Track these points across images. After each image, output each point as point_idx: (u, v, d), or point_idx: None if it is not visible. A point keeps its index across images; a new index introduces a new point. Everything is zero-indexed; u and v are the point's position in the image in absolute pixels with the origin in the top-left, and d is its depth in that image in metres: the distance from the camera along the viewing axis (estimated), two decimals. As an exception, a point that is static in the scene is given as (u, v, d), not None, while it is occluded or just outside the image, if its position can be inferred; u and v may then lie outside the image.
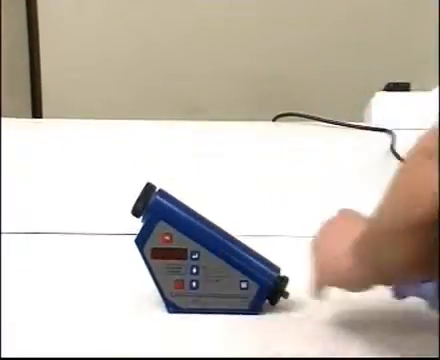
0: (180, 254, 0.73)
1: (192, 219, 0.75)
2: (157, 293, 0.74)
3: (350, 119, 1.26)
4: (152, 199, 0.74)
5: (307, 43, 1.64)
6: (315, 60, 1.65)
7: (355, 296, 0.79)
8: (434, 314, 0.69)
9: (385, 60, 1.58)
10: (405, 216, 0.55)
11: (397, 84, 1.26)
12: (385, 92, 1.29)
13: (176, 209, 0.75)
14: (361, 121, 1.29)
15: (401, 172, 0.58)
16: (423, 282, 0.67)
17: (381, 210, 0.60)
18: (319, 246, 0.70)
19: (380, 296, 0.80)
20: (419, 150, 0.55)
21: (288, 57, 1.64)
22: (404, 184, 0.56)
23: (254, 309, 0.74)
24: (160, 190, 0.76)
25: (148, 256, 0.73)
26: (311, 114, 1.33)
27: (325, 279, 0.68)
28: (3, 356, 0.59)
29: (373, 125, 1.23)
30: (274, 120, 1.39)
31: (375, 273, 0.63)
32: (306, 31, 1.65)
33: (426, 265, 0.57)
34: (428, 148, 0.53)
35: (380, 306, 0.78)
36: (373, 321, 0.74)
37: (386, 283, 0.67)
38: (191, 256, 0.73)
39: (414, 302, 0.78)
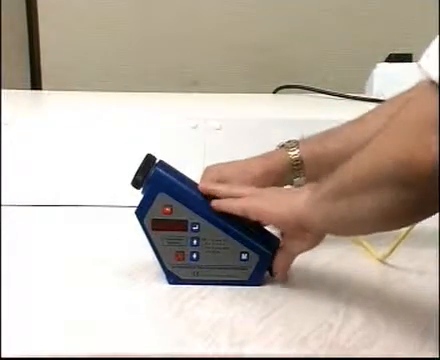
0: (180, 226, 0.73)
1: (192, 191, 0.75)
2: (158, 264, 0.74)
3: (352, 91, 1.26)
4: (152, 171, 0.74)
5: (308, 14, 1.63)
6: (316, 32, 1.63)
7: (356, 270, 0.79)
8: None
9: (387, 31, 1.56)
10: (394, 174, 0.56)
11: (399, 55, 1.25)
12: (387, 63, 1.28)
13: (176, 181, 0.74)
14: (363, 92, 1.29)
15: (401, 128, 0.57)
16: None
17: (367, 158, 0.60)
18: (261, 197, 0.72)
19: (379, 268, 0.81)
20: (422, 114, 0.54)
21: (289, 28, 1.63)
22: (402, 145, 0.55)
23: (254, 280, 0.74)
24: (160, 161, 0.76)
25: (148, 227, 0.73)
26: (312, 86, 1.32)
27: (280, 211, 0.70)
28: (3, 356, 0.59)
29: (375, 96, 1.22)
30: (275, 92, 1.39)
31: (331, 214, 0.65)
32: (307, 2, 1.63)
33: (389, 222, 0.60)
34: (432, 117, 0.53)
35: (380, 280, 0.78)
36: (373, 294, 0.74)
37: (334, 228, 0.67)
38: (191, 228, 0.73)
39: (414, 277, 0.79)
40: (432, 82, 0.53)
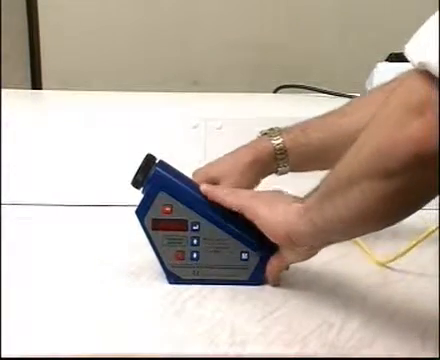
0: (180, 225, 0.73)
1: (192, 190, 0.75)
2: (158, 264, 0.74)
3: (352, 90, 1.25)
4: (152, 170, 0.74)
5: (308, 14, 1.62)
6: (316, 31, 1.63)
7: (355, 270, 0.79)
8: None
9: (387, 31, 1.56)
10: (378, 165, 0.55)
11: (399, 55, 1.25)
12: (387, 63, 1.27)
13: (176, 180, 0.74)
14: (363, 92, 1.28)
15: (383, 119, 0.56)
16: None
17: (350, 154, 0.60)
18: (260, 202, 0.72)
19: (379, 269, 0.81)
20: (403, 104, 0.54)
21: (289, 28, 1.63)
22: (384, 136, 0.55)
23: (255, 280, 0.74)
24: (160, 161, 0.76)
25: (149, 227, 0.73)
26: (312, 85, 1.32)
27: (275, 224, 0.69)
28: (3, 356, 0.59)
29: (375, 96, 1.21)
30: (275, 92, 1.38)
31: (323, 224, 0.64)
32: (307, 1, 1.63)
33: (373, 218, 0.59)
34: (413, 104, 0.52)
35: (380, 280, 0.78)
36: (373, 294, 0.74)
37: (327, 236, 0.67)
38: (191, 227, 0.73)
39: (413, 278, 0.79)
40: (416, 69, 0.52)
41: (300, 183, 0.76)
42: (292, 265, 0.75)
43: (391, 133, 0.54)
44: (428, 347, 0.62)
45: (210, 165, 0.83)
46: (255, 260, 0.74)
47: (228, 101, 1.25)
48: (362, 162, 0.58)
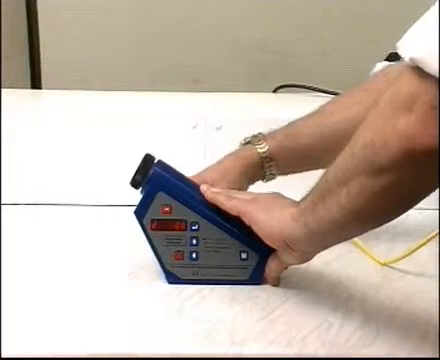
0: (180, 225, 0.73)
1: (191, 190, 0.75)
2: (157, 264, 0.74)
3: (351, 90, 1.25)
4: (151, 170, 0.74)
5: (308, 13, 1.62)
6: (316, 31, 1.63)
7: (355, 269, 0.79)
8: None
9: (387, 30, 1.56)
10: (367, 162, 0.55)
11: (399, 54, 1.25)
12: (386, 62, 1.27)
13: (175, 180, 0.74)
14: (363, 92, 1.28)
15: (374, 117, 0.56)
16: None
17: (344, 156, 0.60)
18: (256, 206, 0.72)
19: (378, 268, 0.81)
20: (393, 100, 0.54)
21: (289, 28, 1.63)
22: (374, 132, 0.55)
23: (254, 279, 0.74)
24: (159, 161, 0.76)
25: (148, 227, 0.73)
26: (312, 85, 1.32)
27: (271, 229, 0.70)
28: (3, 356, 0.59)
29: (374, 96, 1.21)
30: (275, 91, 1.38)
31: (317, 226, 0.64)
32: (308, 1, 1.63)
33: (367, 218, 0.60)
34: (403, 100, 0.52)
35: (380, 279, 0.78)
36: (373, 293, 0.74)
37: (322, 240, 0.67)
38: (191, 227, 0.73)
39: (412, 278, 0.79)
40: (407, 65, 0.53)
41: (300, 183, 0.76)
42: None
43: (381, 129, 0.54)
44: (428, 347, 0.62)
45: (197, 175, 0.82)
46: (254, 260, 0.74)
47: (228, 101, 1.25)
48: (353, 160, 0.58)
